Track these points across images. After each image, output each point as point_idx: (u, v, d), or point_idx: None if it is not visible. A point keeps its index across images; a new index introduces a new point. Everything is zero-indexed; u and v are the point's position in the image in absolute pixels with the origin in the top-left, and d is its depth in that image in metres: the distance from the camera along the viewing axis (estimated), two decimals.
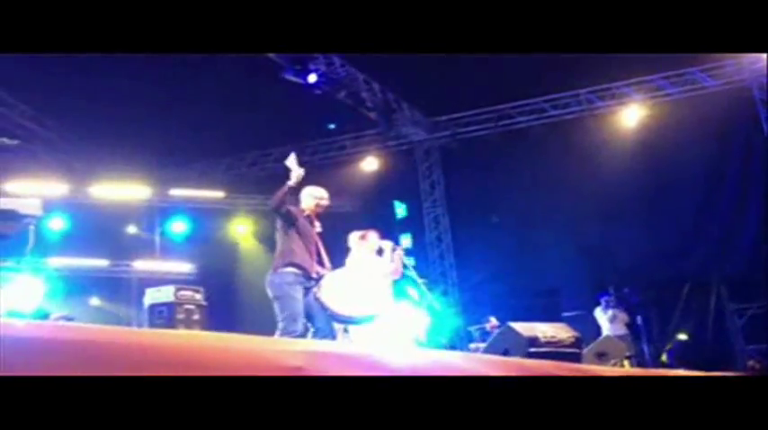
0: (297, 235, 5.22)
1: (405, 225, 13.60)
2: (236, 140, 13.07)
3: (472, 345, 9.53)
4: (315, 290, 5.07)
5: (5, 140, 3.99)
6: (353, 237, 6.26)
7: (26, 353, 1.41)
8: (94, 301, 13.77)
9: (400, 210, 13.77)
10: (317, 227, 5.48)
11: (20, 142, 4.16)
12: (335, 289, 5.06)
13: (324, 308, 4.97)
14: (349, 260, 6.11)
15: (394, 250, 6.24)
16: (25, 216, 4.10)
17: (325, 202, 5.58)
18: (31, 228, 4.24)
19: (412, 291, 7.78)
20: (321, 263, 5.37)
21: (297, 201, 5.52)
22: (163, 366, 1.56)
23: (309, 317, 5.05)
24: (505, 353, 5.45)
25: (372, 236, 6.28)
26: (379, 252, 6.27)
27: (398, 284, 6.75)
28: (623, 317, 10.76)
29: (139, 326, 9.60)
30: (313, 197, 5.56)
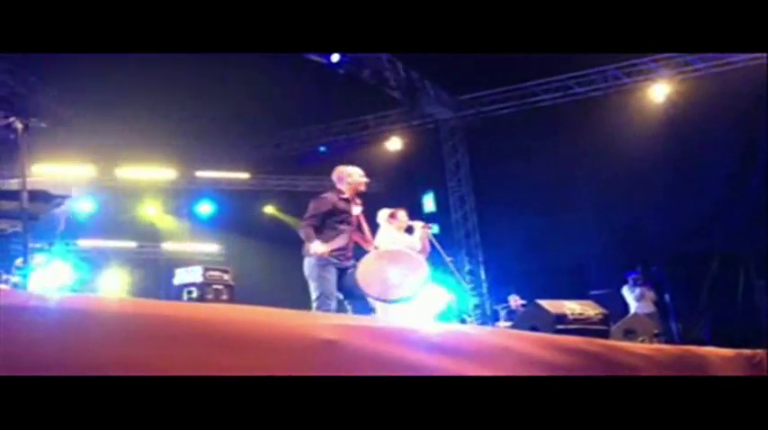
0: (331, 220, 5.24)
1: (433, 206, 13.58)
2: (260, 122, 13.10)
3: (500, 324, 9.53)
4: (352, 271, 5.11)
5: (35, 121, 4.02)
6: (383, 215, 6.26)
7: (66, 325, 1.43)
8: (123, 283, 13.95)
9: (428, 202, 13.70)
10: (357, 206, 5.46)
11: (48, 124, 4.19)
12: (372, 271, 5.07)
13: (360, 289, 5.00)
14: (378, 238, 6.11)
15: (424, 229, 6.22)
16: (56, 197, 4.15)
17: (364, 180, 5.58)
18: (62, 209, 4.29)
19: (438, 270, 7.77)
20: (365, 240, 5.39)
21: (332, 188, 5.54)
22: (194, 338, 1.58)
23: (350, 296, 5.10)
24: (533, 329, 5.45)
25: (402, 214, 6.29)
26: (409, 230, 6.27)
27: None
28: (651, 295, 10.69)
29: None
30: (348, 180, 5.54)
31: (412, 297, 5.12)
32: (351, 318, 2.34)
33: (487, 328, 3.79)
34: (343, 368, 1.90)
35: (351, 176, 5.52)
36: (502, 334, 3.16)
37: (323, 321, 1.95)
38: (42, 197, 4.06)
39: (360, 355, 1.99)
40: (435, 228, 6.80)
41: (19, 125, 3.98)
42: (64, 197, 4.20)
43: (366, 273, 5.04)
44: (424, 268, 5.15)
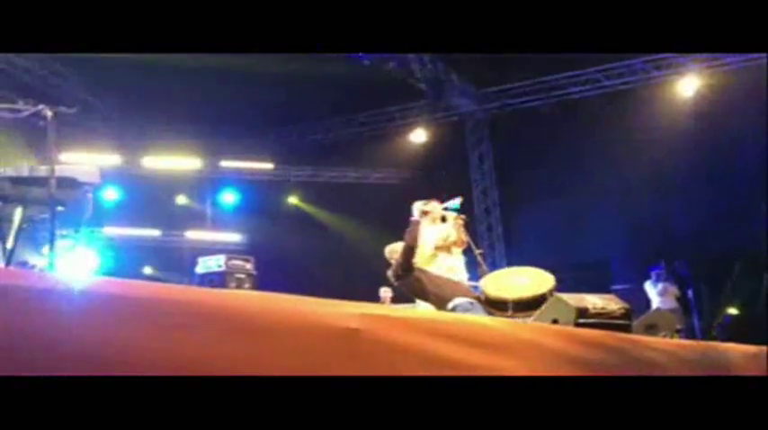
0: None
1: (453, 197, 13.52)
2: (285, 112, 13.15)
3: (520, 315, 9.49)
4: None
5: (64, 108, 4.06)
6: (417, 209, 6.21)
7: (89, 308, 1.45)
8: (147, 270, 14.12)
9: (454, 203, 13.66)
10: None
11: (76, 111, 4.23)
12: None
13: None
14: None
15: (457, 220, 6.18)
16: (84, 184, 4.19)
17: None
18: (89, 196, 4.34)
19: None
20: None
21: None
22: (214, 325, 1.59)
23: None
24: (554, 322, 5.41)
25: (435, 206, 6.25)
26: (442, 220, 6.24)
27: None
28: (674, 290, 10.60)
29: None
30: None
31: None
32: (375, 307, 2.34)
33: (512, 321, 3.77)
34: (365, 358, 1.90)
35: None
36: (526, 327, 3.15)
37: (346, 309, 1.95)
38: (70, 183, 4.11)
39: (383, 345, 1.99)
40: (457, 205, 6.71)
41: (48, 113, 4.03)
42: (91, 184, 4.25)
43: None
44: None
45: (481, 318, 2.94)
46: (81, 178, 4.15)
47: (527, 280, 5.79)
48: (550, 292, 5.66)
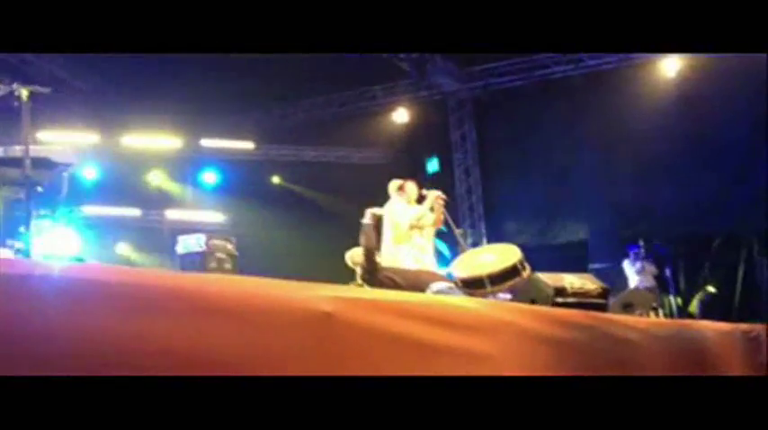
0: None
1: (435, 177, 13.53)
2: (266, 91, 13.04)
3: (501, 295, 9.57)
4: None
5: (38, 88, 4.02)
6: (392, 187, 6.26)
7: (71, 295, 1.45)
8: (127, 250, 14.05)
9: (433, 164, 13.66)
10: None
11: (52, 90, 4.19)
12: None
13: None
14: (388, 209, 6.15)
15: (438, 199, 6.22)
16: (59, 164, 4.17)
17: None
18: (65, 175, 4.31)
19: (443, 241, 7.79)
20: None
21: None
22: (189, 309, 1.59)
23: None
24: (532, 302, 5.47)
25: (411, 185, 6.29)
26: (420, 199, 6.28)
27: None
28: (651, 269, 10.73)
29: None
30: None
31: None
32: (350, 290, 2.36)
33: (488, 301, 3.82)
34: (338, 341, 1.92)
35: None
36: (502, 307, 3.18)
37: (320, 292, 1.96)
38: (45, 164, 4.09)
39: (356, 328, 2.00)
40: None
41: (23, 92, 3.99)
42: (67, 165, 4.23)
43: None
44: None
45: (456, 299, 2.97)
46: (56, 158, 4.13)
47: (494, 255, 5.85)
48: (521, 262, 5.72)
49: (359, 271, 5.92)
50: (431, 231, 6.28)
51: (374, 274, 5.40)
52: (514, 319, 2.82)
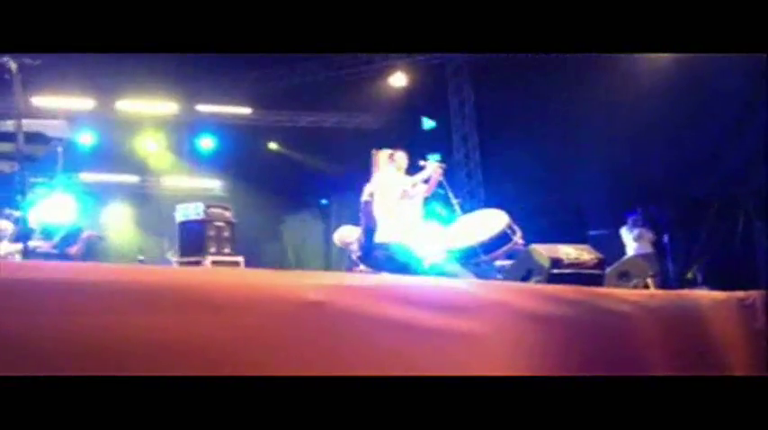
0: None
1: (433, 142, 13.47)
2: (262, 56, 12.89)
3: (497, 263, 9.61)
4: None
5: (28, 60, 3.98)
6: (383, 156, 6.20)
7: (48, 295, 1.45)
8: (126, 216, 14.04)
9: (429, 123, 13.58)
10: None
11: (41, 61, 4.15)
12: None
13: None
14: (378, 179, 6.10)
15: (438, 168, 6.18)
16: (52, 138, 4.16)
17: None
18: (59, 149, 4.30)
19: (441, 211, 7.79)
20: None
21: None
22: (178, 303, 1.60)
23: None
24: (528, 273, 5.50)
25: (400, 155, 6.23)
26: (418, 170, 6.26)
27: (430, 203, 6.78)
28: (649, 236, 10.75)
29: (170, 241, 9.85)
30: None
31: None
32: (339, 277, 2.37)
33: (480, 282, 3.83)
34: (330, 330, 1.94)
35: None
36: (493, 286, 3.21)
37: (309, 281, 1.97)
38: (39, 139, 4.08)
39: (347, 315, 2.02)
40: (437, 157, 6.75)
41: (12, 65, 3.94)
42: (60, 139, 4.21)
43: None
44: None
45: (447, 281, 2.98)
46: (50, 133, 4.11)
47: (482, 223, 5.87)
48: (509, 227, 5.74)
49: (354, 249, 5.92)
50: (421, 199, 6.28)
51: (371, 253, 5.41)
52: (505, 298, 2.84)
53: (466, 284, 2.92)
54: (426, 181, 6.17)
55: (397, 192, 5.90)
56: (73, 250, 6.76)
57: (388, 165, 6.15)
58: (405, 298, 2.34)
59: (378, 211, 5.87)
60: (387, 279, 2.88)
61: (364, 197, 5.91)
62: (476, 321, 2.57)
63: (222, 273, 2.09)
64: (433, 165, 6.17)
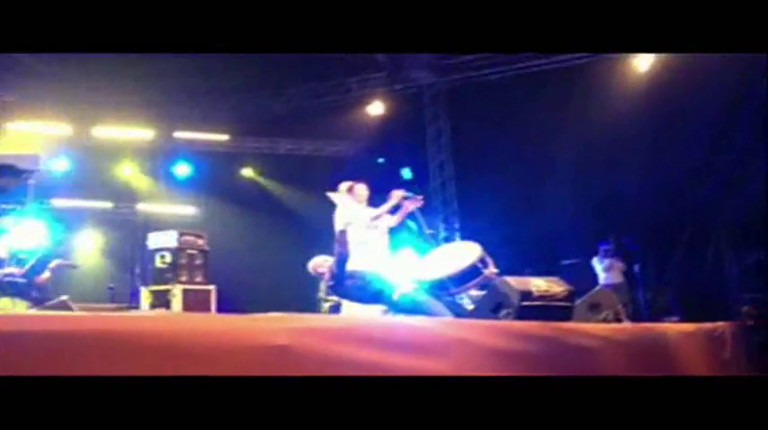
0: None
1: (410, 183, 13.54)
2: (240, 82, 12.95)
3: (472, 293, 9.66)
4: None
5: (4, 96, 4.00)
6: (342, 189, 6.30)
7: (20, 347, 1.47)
8: (98, 244, 13.89)
9: (406, 173, 13.73)
10: None
11: (18, 97, 4.17)
12: None
13: None
14: (340, 212, 6.16)
15: (404, 200, 6.23)
16: (24, 171, 4.15)
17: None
18: (31, 182, 4.30)
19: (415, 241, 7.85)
20: None
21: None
22: (146, 352, 1.63)
23: None
24: (498, 306, 5.54)
25: (360, 187, 6.32)
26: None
27: (402, 233, 6.83)
28: (620, 265, 10.89)
29: (143, 269, 9.81)
30: None
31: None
32: (305, 319, 2.39)
33: (444, 320, 3.86)
34: (295, 372, 1.96)
35: None
36: (456, 325, 3.25)
37: (275, 325, 2.00)
38: (9, 172, 4.07)
39: (312, 358, 2.05)
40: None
41: None
42: (32, 171, 4.21)
43: None
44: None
45: (410, 319, 3.02)
46: (20, 165, 4.11)
47: (454, 255, 5.91)
48: (481, 260, 5.79)
49: (325, 279, 5.95)
50: (386, 229, 6.36)
51: (342, 283, 5.44)
52: (468, 337, 2.89)
53: (430, 322, 2.97)
54: (393, 211, 6.24)
55: (363, 222, 5.97)
56: (41, 278, 6.70)
57: (348, 198, 6.24)
58: (369, 339, 2.38)
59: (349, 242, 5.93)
60: (351, 320, 2.92)
61: (339, 227, 5.95)
62: (437, 361, 2.61)
63: (186, 321, 2.10)
64: (397, 195, 6.22)
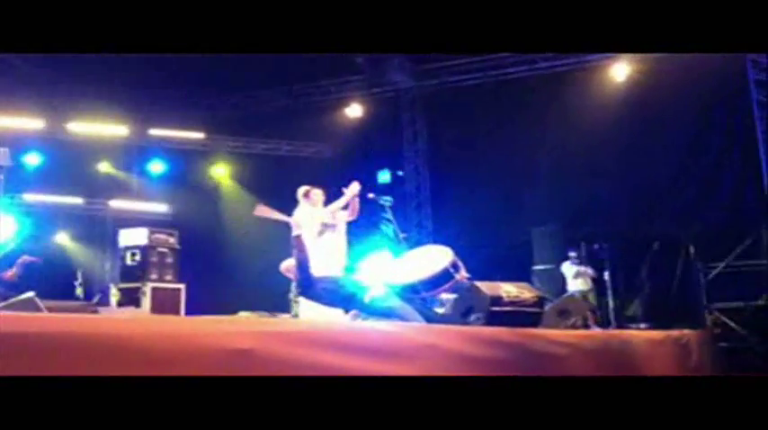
0: None
1: (385, 187, 13.52)
2: (218, 81, 12.88)
3: (444, 297, 9.70)
4: None
5: None
6: (300, 193, 6.40)
7: None
8: (68, 240, 13.72)
9: (384, 177, 13.73)
10: None
11: None
12: None
13: None
14: (297, 215, 6.25)
15: (355, 192, 6.32)
16: None
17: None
18: (0, 177, 4.24)
19: (388, 241, 7.89)
20: None
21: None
22: (108, 357, 1.61)
23: None
24: (469, 310, 5.58)
25: (316, 192, 6.41)
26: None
27: (377, 236, 6.88)
28: (589, 272, 11.00)
29: (113, 266, 9.71)
30: None
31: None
32: (268, 323, 2.39)
33: (412, 325, 3.88)
34: (258, 374, 1.96)
35: None
36: (425, 330, 3.26)
37: (237, 328, 2.00)
38: None
39: (276, 361, 2.05)
40: (389, 200, 6.85)
41: None
42: (1, 166, 4.16)
43: None
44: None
45: (379, 324, 3.03)
46: None
47: (426, 259, 5.95)
48: (452, 265, 5.83)
49: (294, 283, 5.98)
50: (343, 227, 6.44)
51: (312, 286, 5.45)
52: (436, 342, 2.91)
53: (398, 327, 2.98)
54: (346, 206, 6.33)
55: (315, 227, 6.03)
56: (8, 274, 6.62)
57: (304, 202, 6.32)
58: (334, 343, 2.38)
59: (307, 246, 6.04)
60: (317, 324, 2.92)
61: (295, 231, 6.02)
62: (405, 365, 2.63)
63: (148, 322, 2.09)
64: (351, 190, 6.30)
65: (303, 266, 5.47)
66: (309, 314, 5.88)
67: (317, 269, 5.59)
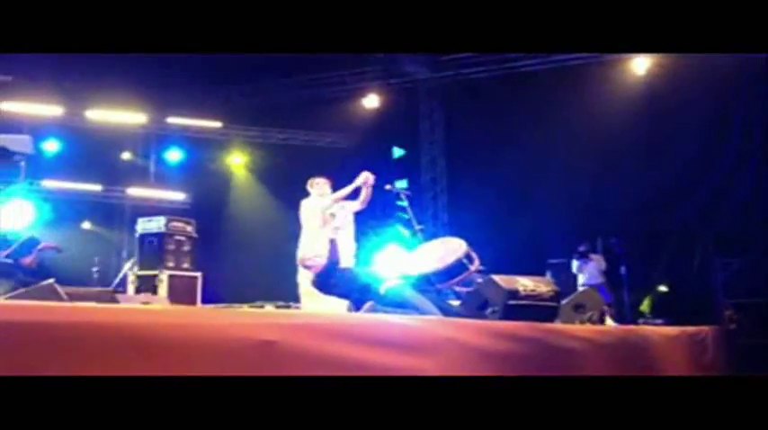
0: None
1: (402, 166, 13.54)
2: (236, 70, 12.89)
3: (457, 289, 9.70)
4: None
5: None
6: (309, 184, 6.47)
7: None
8: (87, 226, 13.83)
9: (398, 151, 13.73)
10: None
11: (13, 77, 4.15)
12: None
13: None
14: (305, 203, 6.39)
15: (367, 180, 6.32)
16: (15, 153, 4.14)
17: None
18: (22, 164, 4.28)
19: (405, 233, 7.90)
20: None
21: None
22: (130, 347, 1.62)
23: None
24: (485, 303, 5.57)
25: (319, 182, 6.45)
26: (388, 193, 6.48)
27: (392, 228, 6.88)
28: (598, 267, 11.00)
29: (130, 253, 9.77)
30: None
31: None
32: (293, 315, 2.40)
33: (432, 319, 3.88)
34: (282, 369, 1.97)
35: None
36: (445, 324, 3.27)
37: (262, 320, 2.01)
38: (1, 154, 4.05)
39: (300, 354, 2.06)
40: (404, 183, 6.88)
41: None
42: (23, 154, 4.20)
43: None
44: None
45: (401, 318, 3.04)
46: (12, 147, 4.10)
47: (440, 251, 5.95)
48: (467, 256, 5.82)
49: (313, 272, 5.98)
50: (351, 216, 6.46)
51: (328, 278, 5.46)
52: (455, 336, 2.91)
53: (419, 321, 2.98)
54: (356, 194, 6.33)
55: (318, 218, 6.08)
56: (27, 260, 6.68)
57: (311, 193, 6.38)
58: (357, 336, 2.39)
59: (304, 234, 6.10)
60: (339, 317, 2.93)
61: (303, 223, 6.10)
62: (424, 359, 2.63)
63: (173, 313, 2.10)
64: (361, 178, 6.29)
65: (331, 266, 5.49)
66: (311, 306, 5.92)
67: (324, 258, 5.62)
